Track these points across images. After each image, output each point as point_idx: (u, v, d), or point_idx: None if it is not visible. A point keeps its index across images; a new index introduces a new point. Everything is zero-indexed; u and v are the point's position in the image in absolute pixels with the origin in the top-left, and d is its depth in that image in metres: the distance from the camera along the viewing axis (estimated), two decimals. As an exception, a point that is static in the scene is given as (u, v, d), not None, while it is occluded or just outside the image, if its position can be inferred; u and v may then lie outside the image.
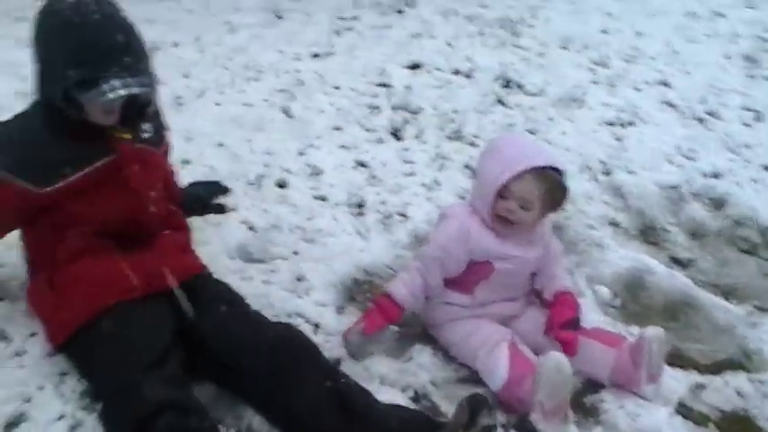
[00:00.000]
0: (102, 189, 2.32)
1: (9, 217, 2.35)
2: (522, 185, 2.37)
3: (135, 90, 2.15)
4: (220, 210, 3.17)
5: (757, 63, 5.45)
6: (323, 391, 2.15)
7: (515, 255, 2.49)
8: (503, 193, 2.39)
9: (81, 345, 2.24)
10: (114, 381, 2.08)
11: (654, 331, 2.44)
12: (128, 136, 2.33)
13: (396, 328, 2.66)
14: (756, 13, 6.54)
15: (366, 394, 2.22)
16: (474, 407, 2.05)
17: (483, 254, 2.48)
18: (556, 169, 2.43)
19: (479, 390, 2.31)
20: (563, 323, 2.48)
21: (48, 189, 2.24)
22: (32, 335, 2.39)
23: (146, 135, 2.42)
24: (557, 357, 2.25)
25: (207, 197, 3.18)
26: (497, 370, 2.38)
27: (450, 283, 2.56)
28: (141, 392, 1.99)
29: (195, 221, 2.96)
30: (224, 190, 3.27)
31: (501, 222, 2.44)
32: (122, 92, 2.11)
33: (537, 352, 2.49)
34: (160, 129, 2.57)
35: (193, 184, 3.15)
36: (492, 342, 2.44)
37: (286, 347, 2.23)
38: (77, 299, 2.27)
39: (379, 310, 2.52)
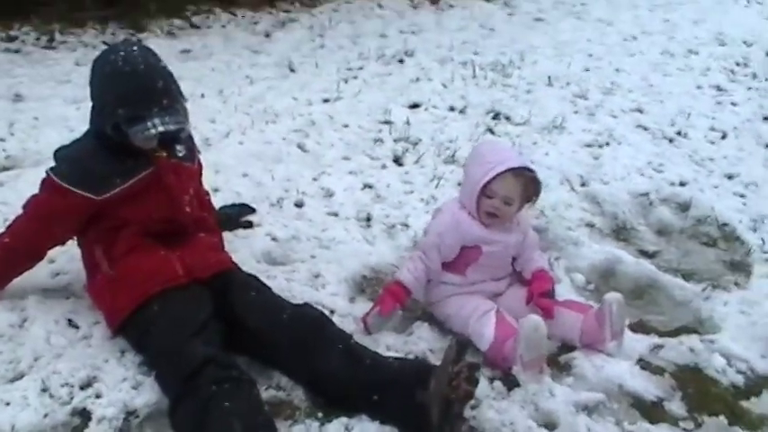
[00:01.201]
0: (145, 195, 2.84)
1: (73, 222, 2.86)
2: (503, 185, 2.87)
3: (171, 127, 2.74)
4: (248, 225, 3.64)
5: (726, 91, 5.95)
6: (336, 352, 2.60)
7: (499, 240, 2.98)
8: (488, 193, 2.89)
9: (136, 325, 2.70)
10: (164, 348, 2.55)
11: (613, 295, 2.88)
12: (164, 154, 2.89)
13: (400, 310, 3.13)
14: (726, 48, 7.08)
15: (371, 350, 2.67)
16: (460, 346, 2.45)
17: (472, 240, 2.97)
18: (529, 169, 2.95)
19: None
20: (541, 293, 2.96)
21: (103, 197, 2.77)
22: (96, 323, 2.85)
23: (180, 154, 2.97)
24: (535, 319, 2.69)
25: (236, 216, 3.66)
26: (485, 332, 2.82)
27: (446, 266, 3.04)
28: (187, 352, 2.46)
29: (227, 236, 3.46)
30: (251, 210, 3.76)
31: (488, 217, 2.94)
32: (161, 128, 2.69)
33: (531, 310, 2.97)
34: (193, 149, 3.13)
35: (224, 207, 3.66)
36: (480, 311, 2.90)
37: (303, 320, 2.71)
38: (131, 288, 2.74)
39: (391, 294, 2.97)
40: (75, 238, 2.98)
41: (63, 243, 2.99)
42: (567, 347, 2.95)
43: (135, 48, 2.84)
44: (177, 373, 2.44)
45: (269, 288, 2.95)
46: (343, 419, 2.49)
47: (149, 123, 2.68)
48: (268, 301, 2.85)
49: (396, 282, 3.01)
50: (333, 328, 2.75)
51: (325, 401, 2.59)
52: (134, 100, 2.68)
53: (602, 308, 2.86)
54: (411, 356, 2.84)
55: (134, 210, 2.84)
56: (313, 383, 2.63)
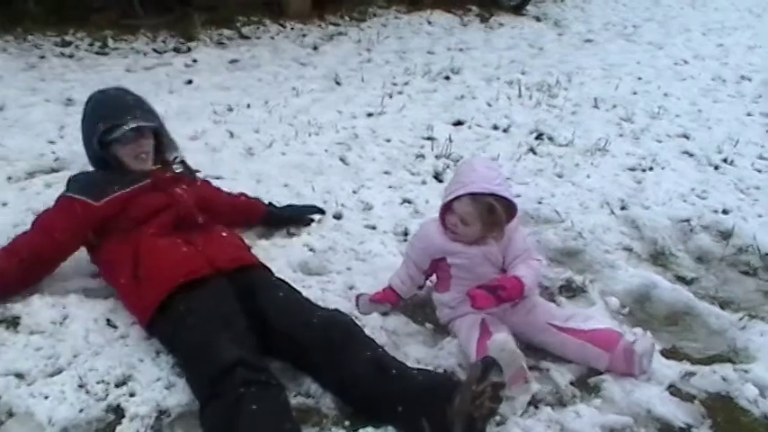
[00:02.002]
0: (148, 200, 3.11)
1: (75, 228, 3.07)
2: (460, 206, 2.88)
3: (143, 124, 3.17)
4: (308, 222, 3.83)
5: (778, 119, 5.88)
6: (364, 360, 2.62)
7: (461, 251, 2.96)
8: (451, 209, 2.91)
9: (164, 324, 2.78)
10: (194, 347, 2.60)
11: (642, 348, 2.84)
12: (157, 167, 3.27)
13: (431, 326, 3.16)
14: (781, 76, 6.99)
15: (398, 361, 2.69)
16: (486, 365, 2.44)
17: (436, 251, 3.02)
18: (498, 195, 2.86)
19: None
20: (483, 286, 2.87)
21: (102, 201, 3.06)
22: (133, 323, 2.92)
23: (178, 170, 3.39)
24: (499, 338, 2.68)
25: (302, 212, 3.86)
26: (470, 347, 2.83)
27: (436, 286, 3.14)
28: (217, 353, 2.51)
29: (264, 245, 3.54)
30: (319, 211, 3.88)
31: (451, 232, 2.96)
32: (134, 124, 3.12)
33: (545, 338, 2.97)
34: (191, 171, 3.55)
35: (293, 205, 3.91)
36: (468, 328, 2.90)
37: (335, 325, 2.74)
38: (155, 283, 2.83)
39: (384, 293, 3.15)
40: (89, 255, 3.19)
41: (69, 253, 3.14)
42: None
43: (114, 87, 3.43)
44: (207, 374, 2.48)
45: (298, 291, 3.01)
46: (369, 430, 2.49)
47: (125, 126, 3.11)
48: (298, 303, 2.91)
49: (388, 286, 3.17)
50: (362, 335, 2.78)
51: (353, 409, 2.61)
52: (110, 113, 3.15)
53: (632, 356, 2.84)
54: (440, 370, 2.84)
55: (140, 212, 3.08)
56: (339, 388, 2.65)
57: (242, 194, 3.77)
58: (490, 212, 2.85)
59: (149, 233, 3.03)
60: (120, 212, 3.08)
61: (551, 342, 2.97)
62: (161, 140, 3.36)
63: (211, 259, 2.94)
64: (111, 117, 3.13)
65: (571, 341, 2.92)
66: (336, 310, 2.93)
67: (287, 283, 3.05)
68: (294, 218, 3.84)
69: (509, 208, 2.89)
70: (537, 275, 3.01)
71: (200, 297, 2.77)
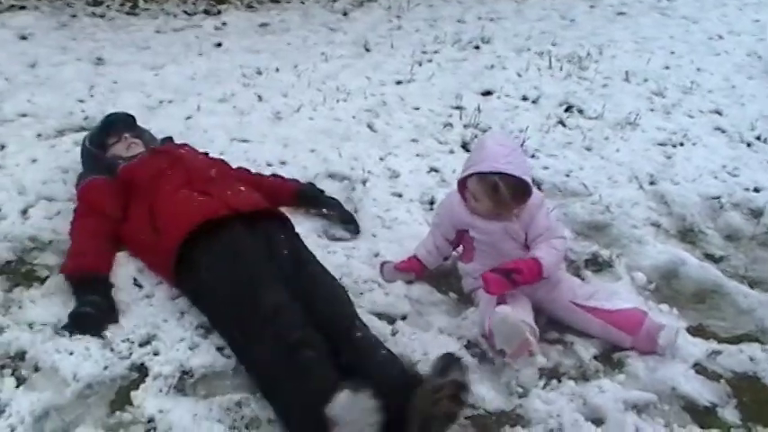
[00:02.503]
0: (147, 164, 3.33)
1: (115, 196, 3.23)
2: (470, 184, 2.90)
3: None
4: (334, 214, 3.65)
5: (813, 97, 5.75)
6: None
7: (481, 226, 2.96)
8: (465, 185, 2.93)
9: (187, 273, 2.81)
10: (226, 286, 2.65)
11: (666, 340, 2.83)
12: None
13: (455, 296, 3.16)
14: (818, 53, 6.82)
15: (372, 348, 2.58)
16: (446, 362, 2.32)
17: (460, 223, 3.03)
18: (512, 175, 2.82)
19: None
20: (497, 269, 2.85)
21: (115, 175, 3.31)
22: (159, 283, 2.98)
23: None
24: (500, 311, 2.70)
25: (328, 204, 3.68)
26: (484, 318, 2.82)
27: (461, 256, 3.15)
28: (258, 295, 2.53)
29: (286, 210, 3.51)
30: (350, 219, 3.62)
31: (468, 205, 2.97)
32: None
33: (567, 317, 2.96)
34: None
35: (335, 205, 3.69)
36: (487, 299, 2.87)
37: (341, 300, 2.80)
38: (172, 229, 2.87)
39: (408, 262, 3.18)
40: None
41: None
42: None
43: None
44: (247, 316, 2.52)
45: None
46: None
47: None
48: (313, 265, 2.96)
49: (414, 255, 3.19)
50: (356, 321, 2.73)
51: None
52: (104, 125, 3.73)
53: (655, 344, 2.84)
54: (464, 340, 2.87)
55: (147, 174, 3.24)
56: None
57: (274, 176, 3.78)
58: (494, 191, 2.82)
59: (165, 190, 3.10)
60: (133, 180, 3.23)
61: (574, 320, 2.97)
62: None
63: (229, 203, 2.97)
64: (104, 129, 3.72)
65: (594, 321, 2.92)
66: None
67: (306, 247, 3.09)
68: (329, 204, 3.65)
69: (521, 185, 2.84)
70: (559, 255, 2.96)
71: (221, 241, 2.80)
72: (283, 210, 3.29)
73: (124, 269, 3.03)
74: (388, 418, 2.21)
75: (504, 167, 2.78)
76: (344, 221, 3.58)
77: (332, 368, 2.37)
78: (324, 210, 3.62)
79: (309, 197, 3.66)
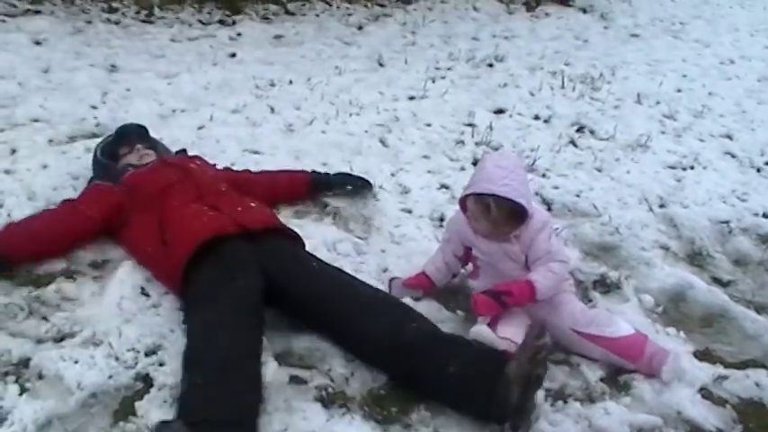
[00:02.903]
0: (157, 174, 3.32)
1: (108, 203, 3.22)
2: (469, 203, 2.92)
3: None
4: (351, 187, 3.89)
5: (822, 124, 5.75)
6: (411, 327, 2.68)
7: (481, 246, 2.99)
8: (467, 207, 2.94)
9: (188, 289, 2.81)
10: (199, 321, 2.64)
11: (669, 375, 2.81)
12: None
13: (462, 313, 3.12)
14: (830, 80, 6.83)
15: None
16: (541, 327, 2.51)
17: (465, 240, 3.06)
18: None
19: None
20: (489, 290, 2.86)
21: (120, 182, 3.30)
22: (166, 293, 2.96)
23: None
24: (474, 330, 2.73)
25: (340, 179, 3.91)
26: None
27: (470, 273, 3.19)
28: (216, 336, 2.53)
29: (296, 222, 3.52)
30: (365, 182, 3.93)
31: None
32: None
33: (567, 343, 2.94)
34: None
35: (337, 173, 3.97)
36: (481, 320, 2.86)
37: (381, 300, 2.85)
38: (181, 243, 2.87)
39: (417, 279, 3.18)
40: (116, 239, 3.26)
41: (90, 228, 3.22)
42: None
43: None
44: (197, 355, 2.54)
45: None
46: (394, 410, 2.54)
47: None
48: (334, 272, 2.99)
49: (422, 271, 3.20)
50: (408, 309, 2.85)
51: (389, 375, 2.67)
52: (117, 136, 3.75)
53: (659, 372, 2.82)
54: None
55: (156, 185, 3.23)
56: (374, 349, 2.69)
57: (282, 171, 3.85)
58: (488, 212, 2.84)
59: (173, 205, 3.10)
60: (138, 188, 3.23)
61: (576, 347, 2.95)
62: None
63: (237, 219, 2.99)
64: (115, 140, 3.74)
65: (596, 349, 2.90)
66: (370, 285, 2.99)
67: (317, 257, 3.09)
68: (339, 182, 3.88)
69: (517, 208, 2.83)
70: (556, 279, 2.92)
71: (219, 264, 2.80)
72: (294, 224, 3.34)
73: (131, 278, 3.02)
74: (486, 385, 2.41)
75: (498, 190, 2.78)
76: (361, 187, 3.88)
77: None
78: (337, 190, 3.85)
79: (323, 183, 3.85)
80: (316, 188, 3.81)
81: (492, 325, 2.80)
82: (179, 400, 2.40)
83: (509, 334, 2.75)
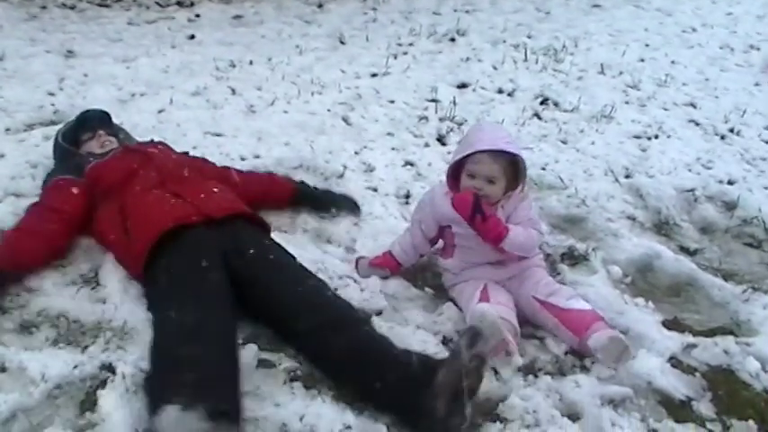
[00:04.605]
0: (119, 162, 3.24)
1: (78, 199, 3.12)
2: (483, 167, 2.82)
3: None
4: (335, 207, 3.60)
5: (787, 90, 5.81)
6: (347, 337, 2.52)
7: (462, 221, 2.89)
8: (470, 174, 2.85)
9: (150, 278, 2.76)
10: (161, 309, 2.58)
11: (596, 342, 2.70)
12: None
13: (431, 291, 3.13)
14: (790, 45, 6.89)
15: (383, 341, 2.55)
16: (473, 334, 2.35)
17: (443, 218, 2.99)
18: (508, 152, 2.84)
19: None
20: (475, 196, 2.81)
21: (83, 174, 3.18)
22: (129, 280, 2.88)
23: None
24: (480, 308, 2.70)
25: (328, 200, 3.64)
26: (467, 314, 2.82)
27: (441, 252, 3.11)
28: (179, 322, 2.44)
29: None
30: (353, 206, 3.64)
31: None
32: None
33: (529, 312, 2.92)
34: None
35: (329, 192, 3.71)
36: (469, 295, 2.88)
37: (323, 301, 2.69)
38: (143, 232, 2.81)
39: (383, 259, 3.13)
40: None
41: (76, 223, 3.13)
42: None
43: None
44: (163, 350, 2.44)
45: (291, 255, 2.96)
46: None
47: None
48: (289, 269, 2.86)
49: (388, 251, 3.15)
50: (350, 312, 2.70)
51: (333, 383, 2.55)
52: (78, 122, 3.66)
53: (588, 348, 2.75)
54: (440, 336, 2.82)
55: (118, 173, 3.16)
56: (318, 361, 2.58)
57: (269, 174, 3.74)
58: (512, 166, 2.83)
59: (135, 191, 3.04)
60: (101, 179, 3.15)
61: (531, 314, 2.93)
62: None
63: (201, 207, 2.92)
64: (76, 126, 3.64)
65: (548, 318, 2.87)
66: (323, 282, 2.87)
67: (280, 245, 3.00)
68: (325, 200, 3.62)
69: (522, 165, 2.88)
70: (528, 240, 2.91)
71: (182, 251, 2.74)
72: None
73: (93, 266, 2.99)
74: (420, 396, 2.27)
75: (506, 146, 2.82)
76: (347, 208, 3.60)
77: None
78: (321, 211, 3.57)
79: (308, 196, 3.61)
80: (299, 200, 3.59)
81: (481, 301, 2.79)
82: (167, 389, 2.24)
83: (503, 314, 2.73)
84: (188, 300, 2.53)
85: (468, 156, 2.85)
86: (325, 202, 3.59)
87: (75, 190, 3.15)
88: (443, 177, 3.07)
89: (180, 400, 2.08)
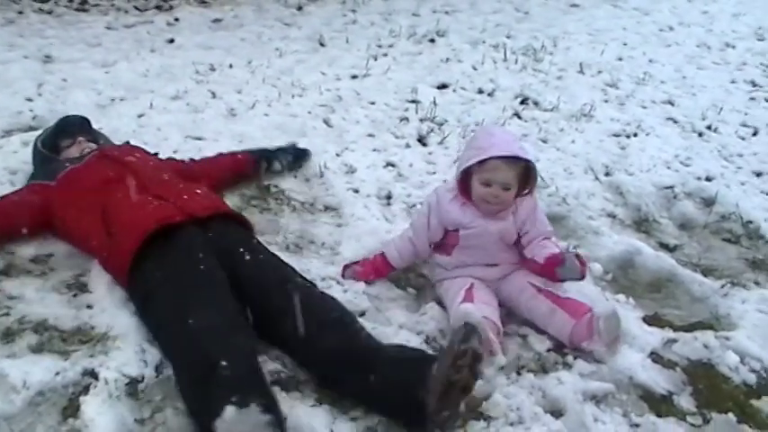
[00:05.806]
0: (95, 168, 3.22)
1: (45, 204, 3.14)
2: (498, 174, 2.81)
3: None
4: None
5: (761, 87, 5.87)
6: (336, 334, 2.55)
7: (476, 225, 2.92)
8: (484, 182, 2.83)
9: (137, 283, 2.74)
10: (165, 307, 2.58)
11: (602, 310, 2.80)
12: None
13: (414, 291, 3.15)
14: (765, 44, 6.95)
15: (371, 338, 2.58)
16: (468, 331, 2.35)
17: (451, 223, 2.97)
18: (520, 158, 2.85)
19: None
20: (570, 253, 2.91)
21: (56, 179, 3.20)
22: (112, 285, 2.87)
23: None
24: (462, 309, 2.72)
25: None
26: (450, 311, 2.84)
27: (436, 247, 3.06)
28: (187, 319, 2.44)
29: (244, 207, 3.49)
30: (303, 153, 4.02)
31: (485, 204, 2.89)
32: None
33: (516, 312, 2.96)
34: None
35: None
36: (454, 293, 2.89)
37: (310, 297, 2.70)
38: (127, 234, 2.80)
39: (373, 264, 3.11)
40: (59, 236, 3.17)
41: (30, 219, 3.16)
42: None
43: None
44: (179, 342, 2.47)
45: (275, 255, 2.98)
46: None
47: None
48: (276, 266, 2.88)
49: (381, 254, 3.12)
50: (337, 308, 2.71)
51: (318, 381, 2.56)
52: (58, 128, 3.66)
53: (591, 320, 2.79)
54: (423, 335, 2.83)
55: (95, 180, 3.14)
56: (306, 359, 2.61)
57: (228, 153, 3.83)
58: (525, 171, 2.85)
59: (117, 197, 3.02)
60: (74, 184, 3.15)
61: (525, 302, 2.94)
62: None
63: (184, 208, 2.92)
64: (57, 132, 3.64)
65: (544, 303, 2.89)
66: (311, 282, 2.89)
67: (266, 246, 3.02)
68: (281, 154, 3.93)
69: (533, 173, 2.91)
70: None
71: (172, 252, 2.74)
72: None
73: (73, 272, 2.99)
74: (406, 391, 2.29)
75: (520, 152, 2.84)
76: (299, 158, 3.98)
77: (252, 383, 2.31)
78: (280, 159, 3.90)
79: (265, 156, 3.88)
80: (259, 163, 3.81)
81: (465, 300, 2.81)
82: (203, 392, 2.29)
83: (486, 313, 2.74)
84: (198, 301, 2.53)
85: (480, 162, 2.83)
86: (280, 155, 3.92)
87: (41, 196, 3.19)
88: (444, 179, 3.06)
89: (233, 400, 2.13)
